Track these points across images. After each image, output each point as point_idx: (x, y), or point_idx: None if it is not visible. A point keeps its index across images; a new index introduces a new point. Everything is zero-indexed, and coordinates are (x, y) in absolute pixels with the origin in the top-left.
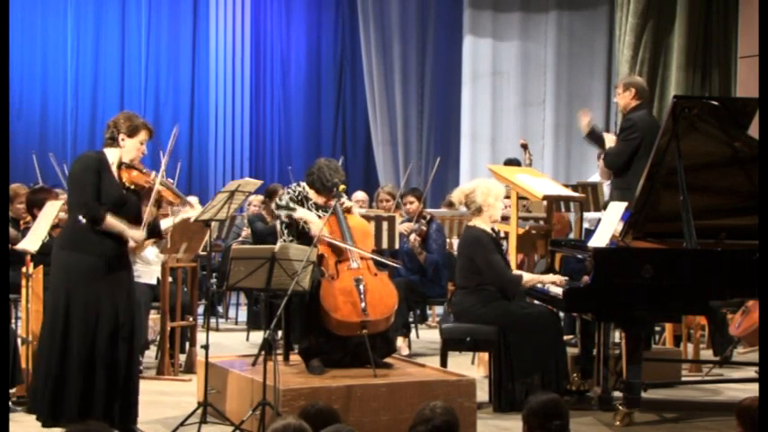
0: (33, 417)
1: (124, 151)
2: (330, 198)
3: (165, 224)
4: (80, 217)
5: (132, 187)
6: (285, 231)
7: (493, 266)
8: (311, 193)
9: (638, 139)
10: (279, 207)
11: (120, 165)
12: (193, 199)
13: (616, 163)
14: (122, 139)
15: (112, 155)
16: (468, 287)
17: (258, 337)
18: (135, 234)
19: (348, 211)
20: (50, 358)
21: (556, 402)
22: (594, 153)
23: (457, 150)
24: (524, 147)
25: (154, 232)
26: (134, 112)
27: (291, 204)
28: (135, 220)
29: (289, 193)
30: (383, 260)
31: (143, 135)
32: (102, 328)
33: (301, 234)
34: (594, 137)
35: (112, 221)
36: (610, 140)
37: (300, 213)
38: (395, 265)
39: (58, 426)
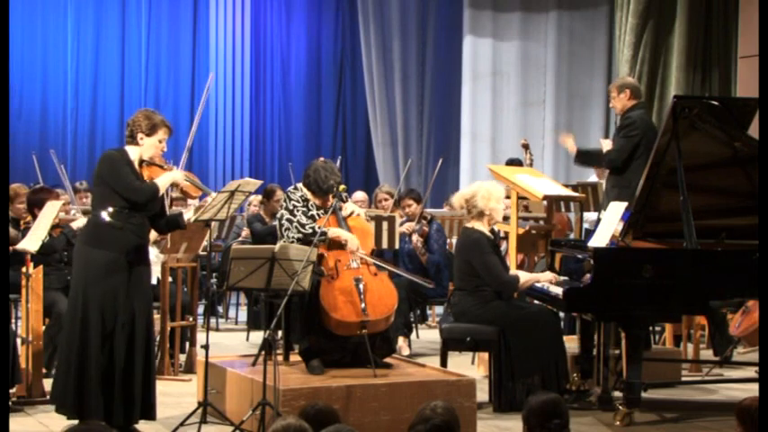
0: (33, 416)
1: (143, 149)
2: (328, 199)
3: (188, 215)
4: (103, 214)
5: None
6: (287, 234)
7: (489, 269)
8: (309, 195)
9: (639, 136)
10: (307, 236)
11: (140, 162)
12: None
13: (616, 161)
14: (141, 138)
15: (133, 153)
16: (467, 288)
17: (258, 337)
18: (176, 175)
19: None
20: (70, 353)
21: (556, 402)
22: None
23: (457, 150)
24: (525, 147)
25: (177, 225)
26: (153, 110)
27: (317, 228)
28: (159, 217)
29: (296, 206)
30: (383, 266)
31: (162, 133)
32: (119, 323)
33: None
34: (585, 156)
35: (159, 180)
36: (607, 145)
37: (333, 233)
38: (397, 271)
39: (82, 419)
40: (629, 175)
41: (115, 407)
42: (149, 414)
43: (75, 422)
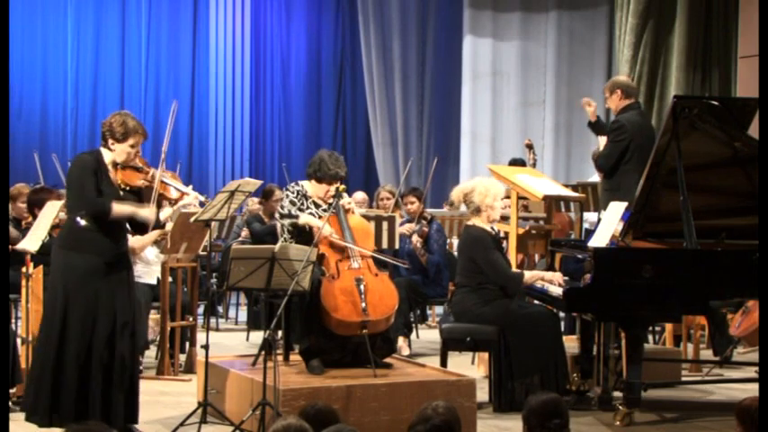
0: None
1: (115, 154)
2: (330, 187)
3: (164, 214)
4: (78, 218)
5: (128, 188)
6: (286, 233)
7: (494, 265)
8: (310, 189)
9: (627, 140)
10: (282, 216)
11: (114, 165)
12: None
13: (605, 165)
14: (112, 144)
15: (107, 155)
16: (469, 286)
17: (258, 337)
18: (146, 213)
19: (348, 211)
20: (46, 359)
21: (556, 402)
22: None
23: (457, 150)
24: (529, 147)
25: (156, 225)
26: (129, 114)
27: (294, 211)
28: (134, 221)
29: (288, 196)
30: (385, 258)
31: (133, 139)
32: (99, 329)
33: (300, 234)
34: (599, 125)
35: (120, 208)
36: (603, 141)
37: (304, 219)
38: (397, 263)
39: (54, 427)
40: (618, 179)
41: (91, 412)
42: (132, 418)
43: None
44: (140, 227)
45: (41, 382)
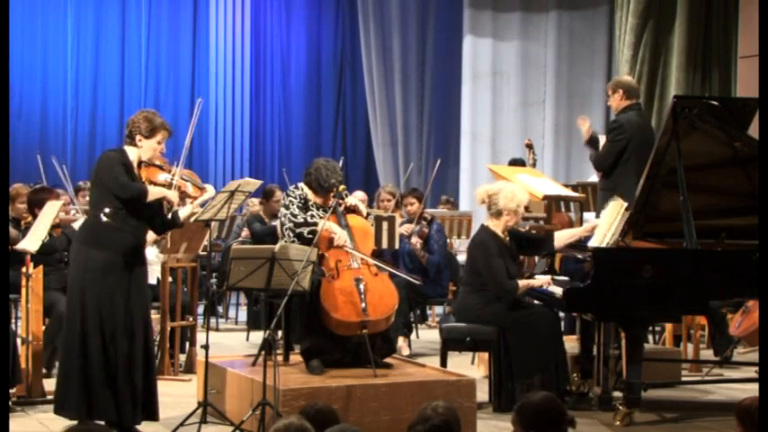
0: (33, 417)
1: (141, 151)
2: (329, 198)
3: (183, 213)
4: (101, 215)
5: (150, 185)
6: (287, 236)
7: (492, 273)
8: (310, 194)
9: (625, 140)
10: (298, 225)
11: (139, 163)
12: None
13: (602, 164)
14: (139, 140)
15: (132, 153)
16: (473, 285)
17: (258, 337)
18: (172, 194)
19: (355, 209)
20: (72, 355)
21: (554, 399)
22: None
23: (457, 150)
24: (529, 147)
25: (174, 224)
26: (154, 111)
27: (309, 218)
28: (156, 218)
29: (293, 202)
30: (386, 267)
31: (160, 135)
32: (118, 324)
33: (301, 235)
34: (594, 143)
35: (153, 189)
36: (604, 141)
37: (326, 227)
38: (411, 279)
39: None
40: (615, 179)
41: (123, 406)
42: (152, 415)
43: (74, 422)
44: (171, 224)
45: (70, 377)
